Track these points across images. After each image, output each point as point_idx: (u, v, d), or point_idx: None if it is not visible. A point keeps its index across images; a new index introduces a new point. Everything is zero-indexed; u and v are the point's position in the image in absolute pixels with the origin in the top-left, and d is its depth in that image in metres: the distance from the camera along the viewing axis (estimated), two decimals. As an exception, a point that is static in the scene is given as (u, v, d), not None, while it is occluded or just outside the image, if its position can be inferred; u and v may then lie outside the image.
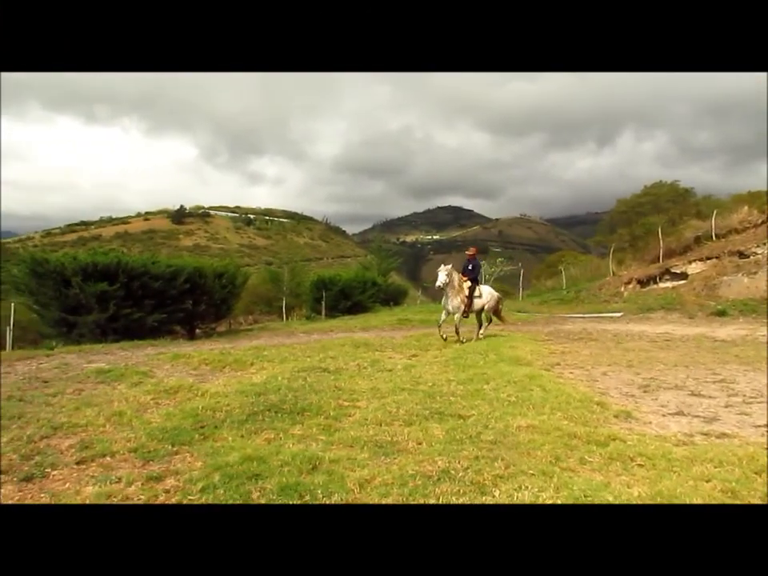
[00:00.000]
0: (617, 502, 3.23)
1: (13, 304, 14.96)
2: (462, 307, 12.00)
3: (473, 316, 12.79)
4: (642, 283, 22.97)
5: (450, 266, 12.07)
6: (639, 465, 3.98)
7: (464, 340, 11.98)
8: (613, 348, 10.92)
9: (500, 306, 13.54)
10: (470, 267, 12.77)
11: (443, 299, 12.21)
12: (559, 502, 3.25)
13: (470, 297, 12.20)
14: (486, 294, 12.71)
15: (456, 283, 12.00)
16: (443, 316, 12.23)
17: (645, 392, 6.70)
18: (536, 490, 3.44)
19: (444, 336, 11.86)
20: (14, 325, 14.42)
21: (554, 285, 31.04)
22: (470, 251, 13.38)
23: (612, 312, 19.72)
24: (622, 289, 23.09)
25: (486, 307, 12.67)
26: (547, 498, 3.31)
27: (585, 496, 3.31)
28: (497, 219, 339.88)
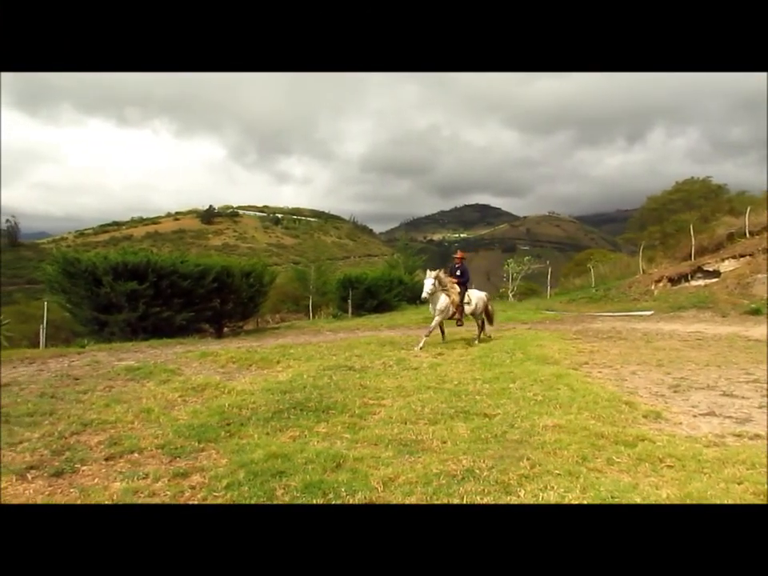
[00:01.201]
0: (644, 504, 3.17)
1: (46, 303, 15.29)
2: (451, 310, 11.34)
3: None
4: (673, 281, 22.53)
5: (437, 271, 11.39)
6: (668, 466, 3.91)
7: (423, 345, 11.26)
8: (642, 347, 10.72)
9: (490, 308, 12.81)
10: (458, 273, 12.12)
11: (430, 305, 11.47)
12: (585, 502, 3.21)
13: (461, 303, 11.60)
14: (475, 299, 12.06)
15: (444, 286, 11.28)
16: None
17: (675, 392, 6.57)
18: (562, 490, 3.41)
19: (442, 335, 11.63)
20: (47, 323, 14.73)
21: (582, 283, 30.61)
22: (458, 255, 12.74)
23: (642, 310, 19.37)
24: (653, 287, 22.68)
25: (475, 312, 12.05)
26: (573, 498, 3.28)
27: (612, 497, 3.27)
28: (525, 217, 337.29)
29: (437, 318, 11.29)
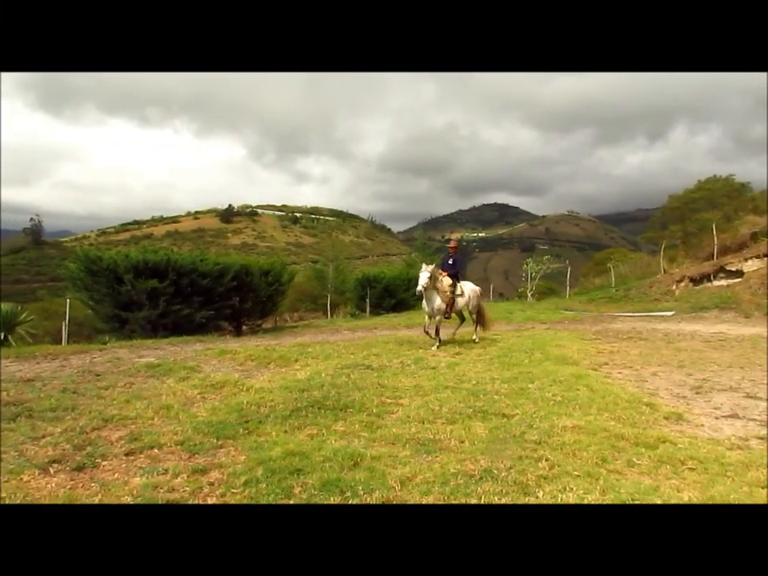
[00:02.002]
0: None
1: (69, 300, 15.49)
2: (444, 307, 10.91)
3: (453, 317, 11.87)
4: (695, 281, 22.20)
5: (432, 266, 10.82)
6: (690, 468, 3.86)
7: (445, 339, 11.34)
8: (663, 348, 10.59)
9: (483, 305, 12.26)
10: (450, 262, 11.66)
11: (423, 302, 11.03)
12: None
13: (452, 295, 11.15)
14: (468, 291, 11.60)
15: (438, 284, 10.87)
16: (427, 319, 11.22)
17: (697, 393, 6.49)
18: (581, 491, 3.38)
19: (439, 339, 11.07)
20: (69, 320, 14.91)
21: (602, 283, 30.29)
22: (452, 244, 12.38)
23: (663, 311, 19.14)
24: (674, 287, 22.39)
25: (469, 306, 11.74)
26: (593, 500, 3.24)
27: (632, 499, 3.23)
28: (544, 216, 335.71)
29: (437, 318, 11.05)
